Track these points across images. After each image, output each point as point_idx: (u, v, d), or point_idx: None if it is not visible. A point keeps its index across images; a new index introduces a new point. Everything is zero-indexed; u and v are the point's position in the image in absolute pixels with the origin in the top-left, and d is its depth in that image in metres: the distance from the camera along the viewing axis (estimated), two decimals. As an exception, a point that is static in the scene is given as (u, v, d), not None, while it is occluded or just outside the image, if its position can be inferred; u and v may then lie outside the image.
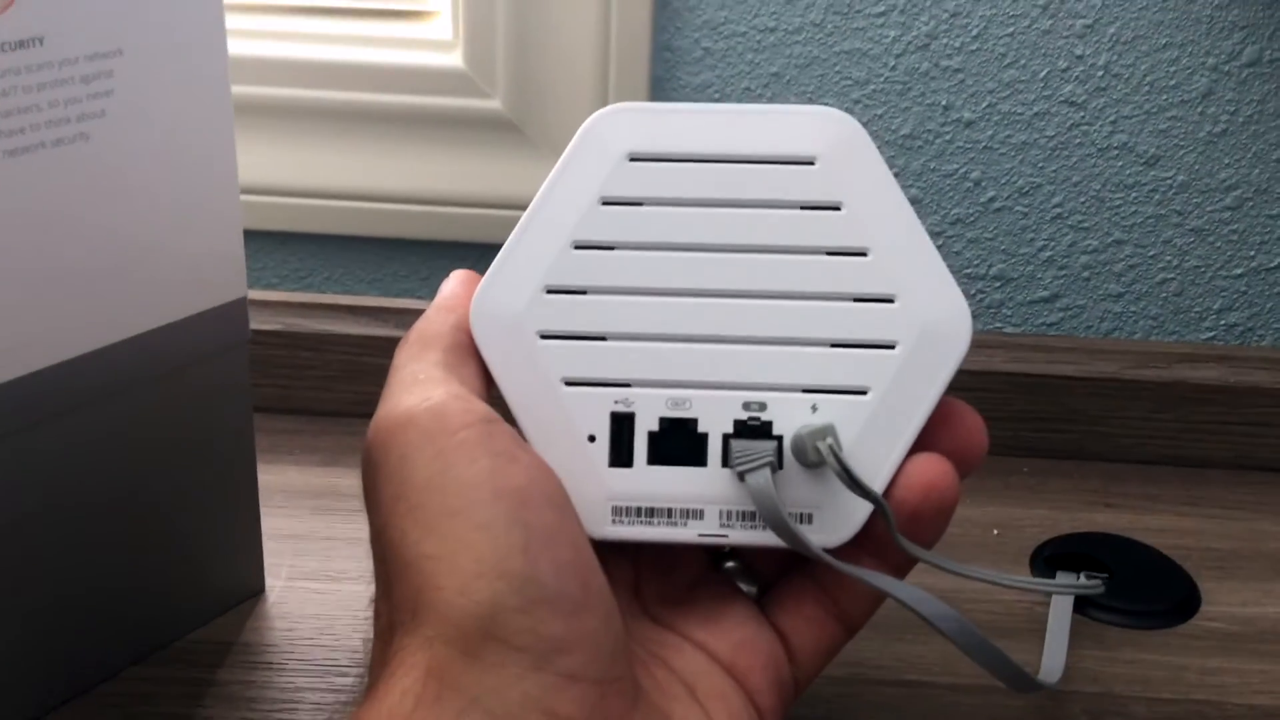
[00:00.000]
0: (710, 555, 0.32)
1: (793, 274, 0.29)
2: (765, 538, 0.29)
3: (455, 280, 0.31)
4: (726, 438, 0.29)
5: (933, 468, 0.29)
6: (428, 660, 0.25)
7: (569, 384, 0.29)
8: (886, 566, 0.30)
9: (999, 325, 0.55)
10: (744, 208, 0.30)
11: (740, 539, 0.29)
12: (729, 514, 0.29)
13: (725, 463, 0.29)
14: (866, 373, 0.29)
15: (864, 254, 0.29)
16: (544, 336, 0.29)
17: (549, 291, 0.29)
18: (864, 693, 0.37)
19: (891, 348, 0.29)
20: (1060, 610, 0.39)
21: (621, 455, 0.29)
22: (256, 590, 0.40)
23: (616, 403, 0.29)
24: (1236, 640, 0.40)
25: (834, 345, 0.29)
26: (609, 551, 0.27)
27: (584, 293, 0.29)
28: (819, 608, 0.31)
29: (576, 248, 0.29)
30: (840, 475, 0.28)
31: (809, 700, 0.37)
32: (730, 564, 0.32)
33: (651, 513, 0.29)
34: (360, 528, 0.29)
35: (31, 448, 0.32)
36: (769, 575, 0.32)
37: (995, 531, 0.45)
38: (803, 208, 0.30)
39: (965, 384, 0.49)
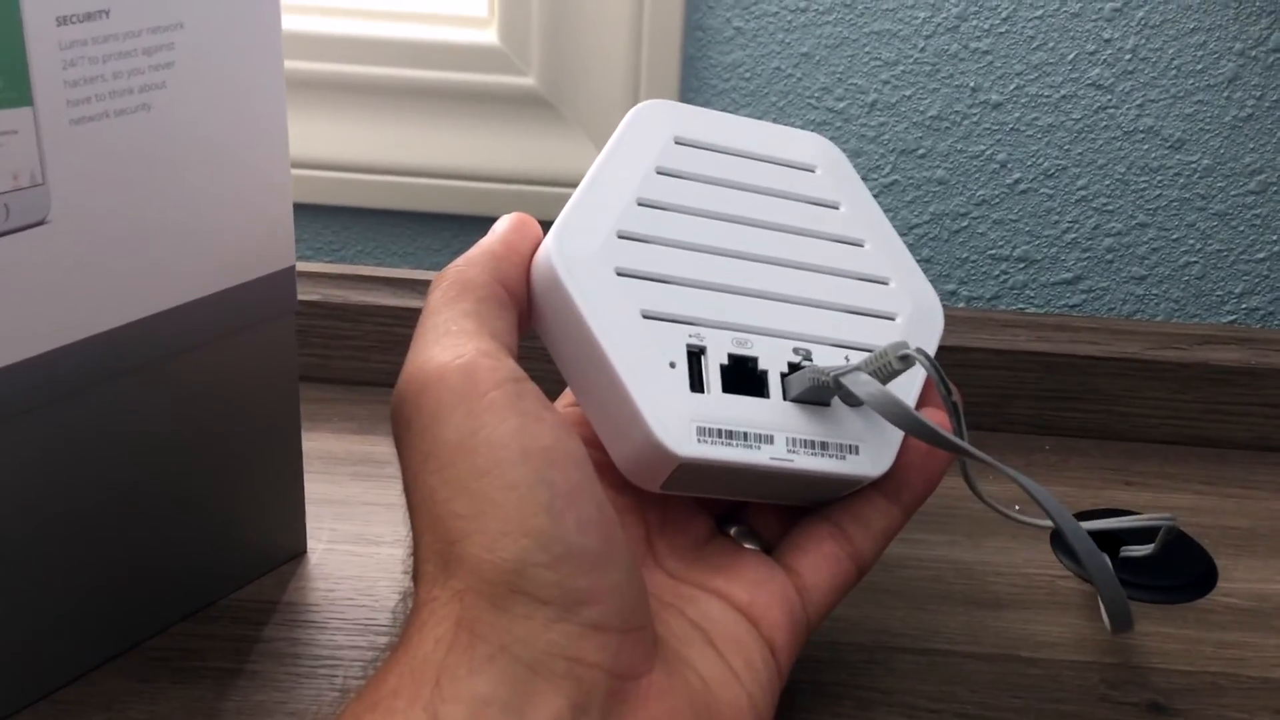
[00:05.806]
0: (715, 520, 0.34)
1: (810, 251, 0.34)
2: (825, 464, 0.32)
3: (508, 225, 0.32)
4: (783, 376, 0.32)
5: (935, 415, 0.33)
6: (458, 612, 0.26)
7: (646, 317, 0.31)
8: (897, 506, 0.33)
9: (1022, 306, 0.56)
10: (767, 195, 0.35)
11: (805, 464, 0.31)
12: (794, 441, 0.31)
13: (785, 396, 0.32)
14: (879, 336, 0.34)
15: (861, 245, 0.35)
16: (620, 274, 0.31)
17: (620, 237, 0.32)
18: (888, 660, 0.38)
19: (893, 319, 0.35)
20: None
21: (698, 383, 0.31)
22: (299, 552, 0.41)
23: (690, 337, 0.31)
24: (1253, 616, 0.41)
25: (849, 312, 0.34)
26: (621, 512, 0.28)
27: (648, 242, 0.32)
28: (836, 546, 0.33)
29: (640, 204, 0.32)
30: (929, 369, 0.31)
31: (833, 666, 0.38)
32: (734, 528, 0.34)
33: (730, 435, 0.31)
34: (396, 494, 0.30)
35: (86, 410, 0.33)
36: (772, 536, 0.34)
37: (1016, 507, 0.46)
38: (809, 203, 0.35)
39: (989, 361, 0.50)
